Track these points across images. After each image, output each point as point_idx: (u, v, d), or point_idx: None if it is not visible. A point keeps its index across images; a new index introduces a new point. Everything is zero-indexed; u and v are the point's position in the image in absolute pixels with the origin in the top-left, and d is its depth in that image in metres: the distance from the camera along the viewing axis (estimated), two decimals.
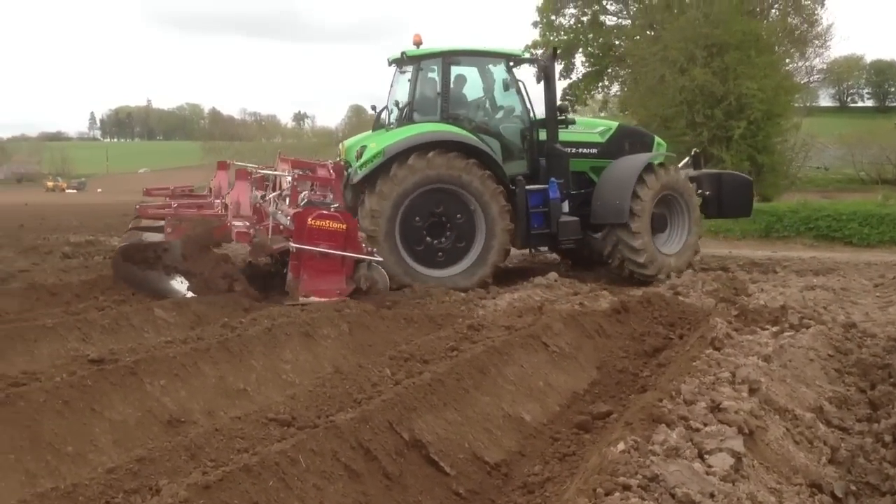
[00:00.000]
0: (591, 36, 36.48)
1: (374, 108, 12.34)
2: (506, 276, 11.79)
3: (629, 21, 35.85)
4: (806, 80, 37.85)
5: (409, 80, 11.64)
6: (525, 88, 11.88)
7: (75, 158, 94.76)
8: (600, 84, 38.16)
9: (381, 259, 9.63)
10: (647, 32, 33.06)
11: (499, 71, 11.93)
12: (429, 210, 10.88)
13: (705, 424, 4.05)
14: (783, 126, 29.76)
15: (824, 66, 40.99)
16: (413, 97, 11.52)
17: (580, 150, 11.95)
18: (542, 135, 11.80)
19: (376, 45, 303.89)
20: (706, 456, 3.67)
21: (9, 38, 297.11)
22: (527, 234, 11.41)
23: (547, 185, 11.39)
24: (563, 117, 11.82)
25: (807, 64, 37.12)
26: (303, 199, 9.74)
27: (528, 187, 11.37)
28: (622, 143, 12.15)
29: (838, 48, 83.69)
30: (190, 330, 7.08)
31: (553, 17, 36.34)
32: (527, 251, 12.54)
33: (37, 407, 4.46)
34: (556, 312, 7.64)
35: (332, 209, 9.50)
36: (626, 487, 3.20)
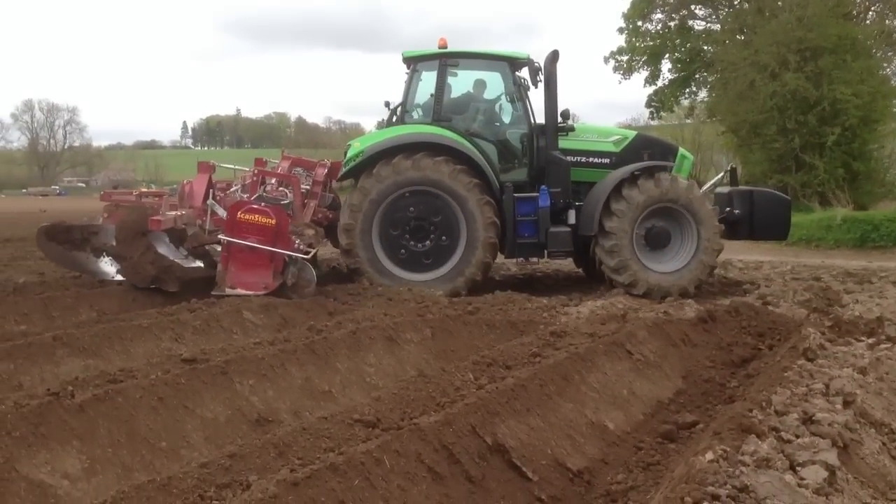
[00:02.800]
0: (678, 41, 35.89)
1: (387, 104, 12.00)
2: (588, 284, 11.70)
3: (718, 26, 35.13)
4: None
5: (405, 82, 11.54)
6: (527, 93, 11.53)
7: (168, 166, 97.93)
8: (687, 90, 37.50)
9: (309, 257, 9.60)
10: (738, 37, 32.30)
11: (499, 74, 11.65)
12: (410, 212, 10.81)
13: (797, 436, 3.95)
14: (881, 132, 28.64)
15: None
16: (406, 98, 11.46)
17: (591, 160, 11.45)
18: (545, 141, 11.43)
19: None
20: (798, 468, 3.57)
21: (106, 50, 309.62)
22: (513, 243, 11.08)
23: (537, 193, 10.96)
24: (564, 124, 11.30)
25: None
26: (257, 196, 10.02)
27: (516, 195, 11.02)
28: (639, 153, 11.39)
29: None
30: (277, 332, 7.27)
31: (640, 23, 35.90)
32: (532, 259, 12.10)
33: (133, 403, 4.65)
34: (641, 320, 7.54)
35: (280, 205, 9.73)
36: (715, 497, 3.13)
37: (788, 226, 11.85)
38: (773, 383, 5.14)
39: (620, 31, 36.65)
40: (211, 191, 10.19)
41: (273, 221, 9.23)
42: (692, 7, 35.93)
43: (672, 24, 35.82)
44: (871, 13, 33.46)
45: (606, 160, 11.40)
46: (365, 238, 10.74)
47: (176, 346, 6.61)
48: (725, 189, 11.94)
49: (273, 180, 11.05)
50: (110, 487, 4.07)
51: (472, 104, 11.74)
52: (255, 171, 10.97)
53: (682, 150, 12.06)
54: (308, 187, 11.47)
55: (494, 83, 11.83)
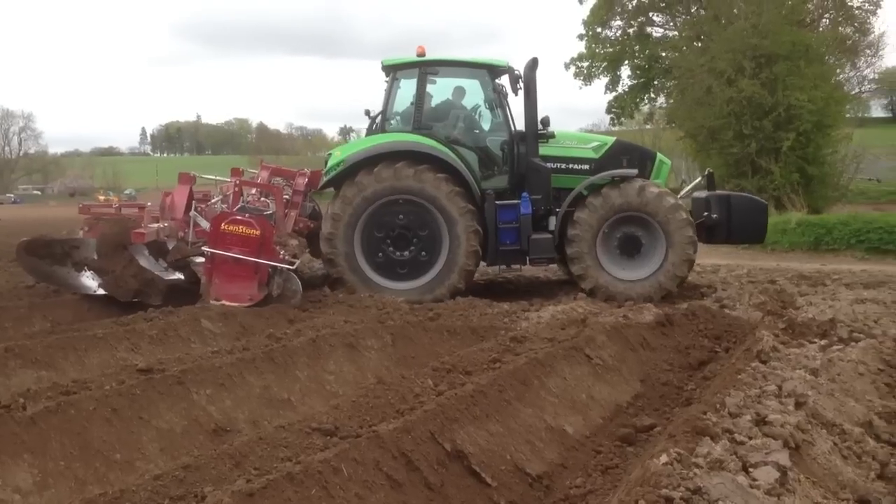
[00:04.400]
0: (637, 48, 36.32)
1: (367, 112, 11.92)
2: (549, 289, 11.76)
3: (676, 32, 35.60)
4: (857, 90, 37.17)
5: (384, 90, 11.55)
6: (506, 100, 11.52)
7: (126, 172, 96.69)
8: (646, 96, 37.95)
9: (294, 267, 9.56)
10: (695, 44, 32.76)
11: (478, 82, 11.67)
12: (392, 221, 10.83)
13: (750, 438, 4.00)
14: (834, 137, 29.18)
15: (876, 76, 40.28)
16: (386, 106, 11.47)
17: (571, 166, 11.42)
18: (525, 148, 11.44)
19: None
20: (751, 469, 3.62)
21: (62, 56, 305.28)
22: (495, 250, 11.08)
23: (519, 200, 10.97)
24: (544, 131, 11.29)
25: (858, 74, 36.50)
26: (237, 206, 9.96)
27: (497, 202, 11.01)
28: (618, 159, 11.40)
29: (891, 57, 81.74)
30: (236, 340, 7.20)
31: (599, 30, 36.27)
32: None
33: (86, 415, 4.58)
34: (600, 325, 7.61)
35: (263, 216, 9.69)
36: (669, 500, 3.17)
37: (765, 229, 11.97)
38: (727, 385, 5.21)
39: (580, 37, 37.05)
40: (194, 202, 10.13)
41: (257, 232, 9.15)
42: (650, 14, 36.43)
43: (631, 30, 36.28)
44: (824, 20, 34.16)
45: (586, 166, 11.39)
46: (347, 247, 10.74)
47: (132, 357, 6.51)
48: (703, 194, 11.99)
49: (254, 190, 10.99)
50: (63, 501, 4.01)
51: (453, 112, 11.77)
52: (236, 182, 10.86)
53: (659, 156, 12.11)
54: (288, 197, 11.44)
55: (474, 91, 11.87)
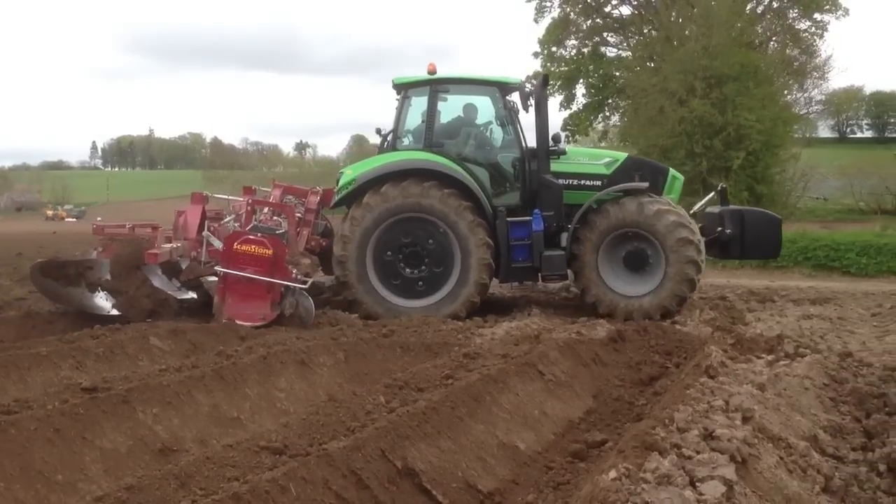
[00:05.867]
0: (591, 67, 36.83)
1: (378, 131, 12.04)
2: (505, 306, 11.79)
3: (629, 53, 36.19)
4: (805, 111, 38.17)
5: (395, 108, 11.54)
6: (517, 117, 11.50)
7: (76, 187, 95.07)
8: (601, 115, 38.46)
9: (306, 286, 9.56)
10: (647, 64, 33.37)
11: (489, 99, 11.70)
12: (403, 239, 10.79)
13: (698, 452, 4.04)
14: (782, 157, 29.89)
15: (823, 98, 41.40)
16: (398, 125, 11.45)
17: (583, 182, 11.32)
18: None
19: (370, 76, 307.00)
20: (698, 484, 3.65)
21: (7, 69, 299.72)
22: (508, 267, 11.00)
23: (531, 217, 10.91)
24: (556, 147, 11.25)
25: (806, 95, 37.50)
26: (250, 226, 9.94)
27: (509, 219, 10.96)
28: (630, 174, 11.28)
29: (837, 80, 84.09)
30: (185, 358, 7.08)
31: (554, 49, 36.73)
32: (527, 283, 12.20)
33: (28, 435, 4.44)
34: (553, 341, 7.64)
35: (276, 234, 9.72)
36: None
37: (780, 244, 11.86)
38: (676, 401, 5.26)
39: (536, 55, 37.50)
40: (207, 222, 10.12)
41: (270, 252, 9.18)
42: (604, 34, 37.00)
43: (585, 50, 36.82)
44: (772, 42, 35.01)
45: (598, 182, 11.27)
46: (360, 268, 10.63)
47: (76, 375, 6.34)
48: (716, 209, 11.88)
49: (266, 209, 10.96)
50: None
51: (464, 129, 11.71)
52: (249, 201, 10.83)
53: (672, 171, 11.95)
54: (301, 215, 11.38)
55: (485, 108, 11.84)
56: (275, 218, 10.88)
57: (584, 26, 36.76)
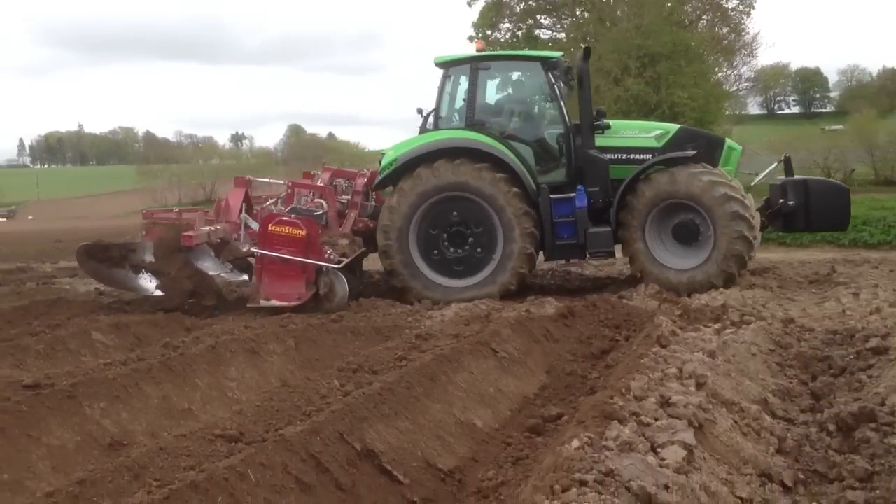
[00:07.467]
0: (526, 50, 36.93)
1: (420, 111, 11.68)
2: None
3: (563, 34, 36.40)
4: (735, 88, 38.91)
5: (437, 87, 11.35)
6: (561, 93, 11.20)
7: (4, 186, 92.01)
8: None
9: (340, 266, 9.61)
10: (581, 45, 33.59)
11: (531, 76, 11.56)
12: (445, 219, 10.72)
13: (656, 419, 4.08)
14: (714, 133, 30.45)
15: (752, 75, 42.25)
16: (440, 103, 11.31)
17: (632, 157, 10.94)
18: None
19: (299, 65, 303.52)
20: (659, 449, 3.69)
21: None
22: (553, 245, 10.83)
23: (574, 194, 10.66)
24: (599, 122, 10.94)
25: (735, 72, 38.20)
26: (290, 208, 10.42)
27: (552, 196, 10.71)
28: (682, 146, 10.85)
29: (765, 57, 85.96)
30: (130, 352, 6.91)
31: (489, 32, 36.72)
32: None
33: None
34: (504, 319, 7.66)
35: (313, 216, 10.04)
36: (583, 483, 3.19)
37: (849, 215, 11.18)
38: (630, 371, 5.31)
39: (470, 39, 37.35)
40: (243, 205, 10.34)
41: (303, 233, 9.36)
42: (538, 17, 37.12)
43: (520, 33, 36.87)
44: (701, 21, 35.57)
45: (648, 156, 10.88)
46: (402, 240, 10.61)
47: (17, 373, 6.12)
48: (779, 179, 11.42)
49: (309, 192, 11.17)
50: None
51: (507, 106, 11.61)
52: (289, 184, 11.24)
53: (728, 142, 11.51)
54: (349, 197, 11.53)
55: (528, 84, 11.73)
56: (316, 200, 11.02)
57: (518, 9, 36.85)
